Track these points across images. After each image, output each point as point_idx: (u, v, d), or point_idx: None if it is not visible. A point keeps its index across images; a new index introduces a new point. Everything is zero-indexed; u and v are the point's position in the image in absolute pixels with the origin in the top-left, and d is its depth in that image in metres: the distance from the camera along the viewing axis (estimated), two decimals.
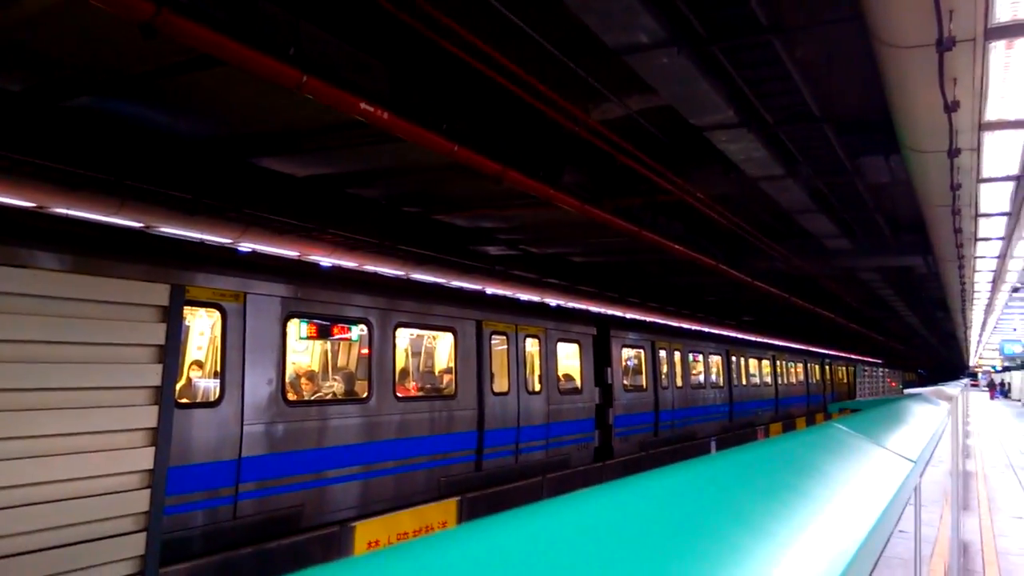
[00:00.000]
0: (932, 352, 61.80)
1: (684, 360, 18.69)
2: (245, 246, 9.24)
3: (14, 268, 5.27)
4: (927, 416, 3.56)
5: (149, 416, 5.93)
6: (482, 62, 6.16)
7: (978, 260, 13.79)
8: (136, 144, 8.19)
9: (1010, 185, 8.76)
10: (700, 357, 20.10)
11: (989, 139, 7.28)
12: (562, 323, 13.79)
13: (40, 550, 4.87)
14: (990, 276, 15.96)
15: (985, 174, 8.30)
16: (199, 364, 8.37)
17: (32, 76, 6.49)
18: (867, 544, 0.93)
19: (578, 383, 14.00)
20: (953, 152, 7.13)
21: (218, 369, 7.65)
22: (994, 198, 9.34)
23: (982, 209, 9.90)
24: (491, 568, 0.56)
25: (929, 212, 10.46)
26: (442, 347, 11.58)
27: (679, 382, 18.20)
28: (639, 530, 0.70)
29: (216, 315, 7.73)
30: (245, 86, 6.51)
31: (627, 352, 16.25)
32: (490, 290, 13.44)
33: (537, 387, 12.66)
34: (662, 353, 17.45)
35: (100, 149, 7.81)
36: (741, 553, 0.73)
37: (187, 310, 7.50)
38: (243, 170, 9.32)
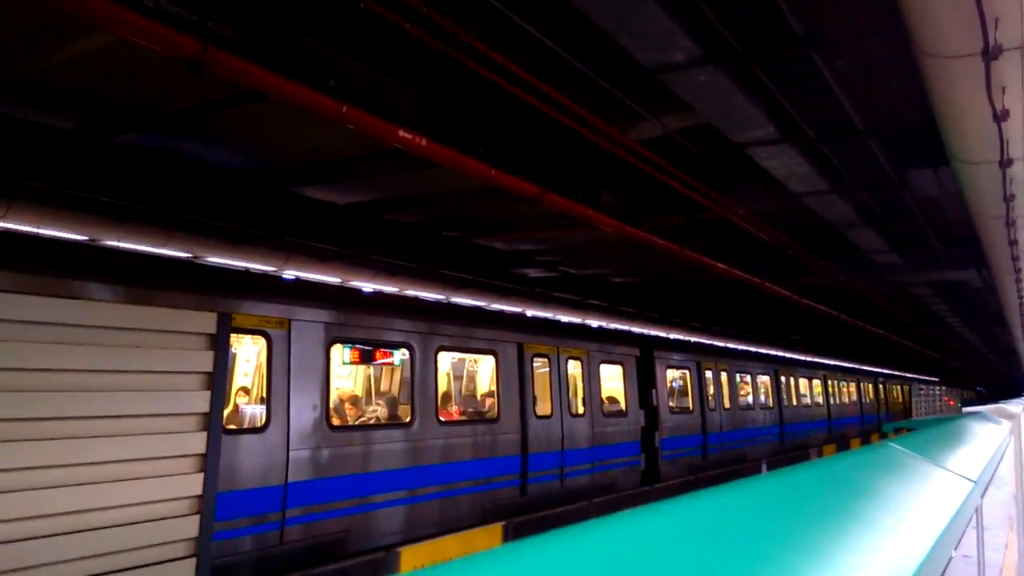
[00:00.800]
0: (991, 369, 59.69)
1: (731, 381, 18.36)
2: (289, 274, 9.40)
3: (67, 299, 5.44)
4: (987, 435, 3.42)
5: (198, 442, 6.02)
6: (516, 85, 6.19)
7: None
8: (182, 177, 8.42)
9: None
10: (748, 377, 19.72)
11: None
12: (604, 344, 13.67)
13: None
14: None
15: None
16: (245, 390, 8.49)
17: (83, 114, 6.73)
18: (926, 567, 0.88)
19: (622, 405, 13.84)
20: (1005, 162, 6.93)
21: (264, 395, 7.75)
22: None
23: None
24: None
25: (982, 224, 10.14)
26: (484, 370, 11.58)
27: (727, 403, 17.86)
28: (689, 551, 0.67)
29: (262, 342, 7.85)
30: (286, 118, 6.65)
31: (672, 373, 16.03)
32: (530, 312, 13.41)
33: (581, 410, 12.55)
34: (708, 374, 17.17)
35: (148, 183, 8.04)
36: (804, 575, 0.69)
37: (233, 337, 7.63)
38: (285, 200, 9.50)
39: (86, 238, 7.24)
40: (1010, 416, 6.66)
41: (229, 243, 8.56)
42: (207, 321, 6.44)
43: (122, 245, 7.48)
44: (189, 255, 8.19)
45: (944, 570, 1.23)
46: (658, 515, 0.77)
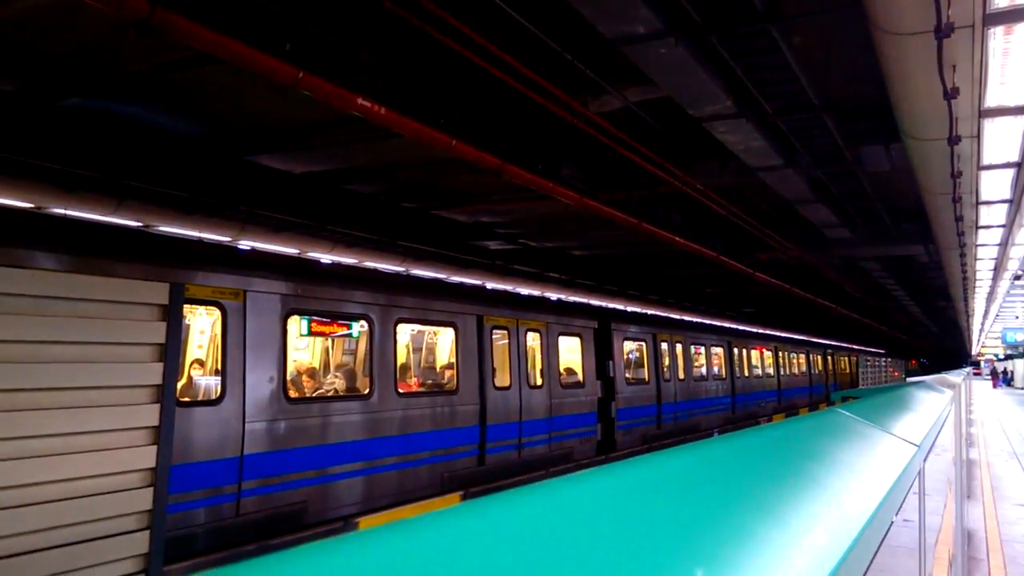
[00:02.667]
0: (934, 341, 61.79)
1: (686, 352, 18.68)
2: (244, 244, 9.23)
3: (13, 268, 5.26)
4: (930, 403, 3.55)
5: (151, 415, 5.93)
6: (477, 54, 6.13)
7: (979, 248, 13.77)
8: (132, 143, 8.17)
9: (1010, 172, 8.73)
10: (702, 349, 20.10)
11: (989, 126, 7.25)
12: (563, 317, 13.78)
13: (43, 549, 4.87)
14: (992, 264, 15.94)
15: (985, 161, 8.27)
16: (200, 363, 8.36)
17: (25, 76, 6.47)
18: (872, 525, 0.92)
19: (580, 377, 14.00)
20: (953, 139, 7.11)
21: (219, 367, 7.64)
22: (995, 185, 9.32)
23: (983, 197, 9.87)
24: (495, 545, 0.54)
25: (930, 200, 10.43)
26: (443, 342, 11.58)
27: (681, 375, 18.19)
28: (642, 509, 0.69)
29: (216, 313, 7.73)
30: (241, 83, 6.49)
31: (629, 345, 16.24)
32: (490, 285, 13.43)
33: (539, 381, 12.66)
34: (664, 346, 17.44)
35: (96, 149, 7.79)
36: (748, 535, 0.72)
37: (187, 308, 7.49)
38: (240, 168, 9.30)
39: (31, 205, 7.00)
40: (952, 386, 6.92)
41: (181, 212, 8.37)
42: (159, 292, 6.30)
43: (70, 213, 7.26)
44: (140, 224, 7.98)
45: (888, 529, 1.28)
46: (611, 475, 0.78)
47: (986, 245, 13.53)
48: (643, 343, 16.71)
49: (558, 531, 0.62)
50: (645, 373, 16.65)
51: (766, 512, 0.81)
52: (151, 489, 5.85)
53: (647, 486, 0.77)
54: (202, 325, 8.44)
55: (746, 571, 0.66)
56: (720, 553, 0.66)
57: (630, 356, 16.40)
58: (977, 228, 11.84)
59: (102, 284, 5.69)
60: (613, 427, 14.80)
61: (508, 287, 13.89)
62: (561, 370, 13.51)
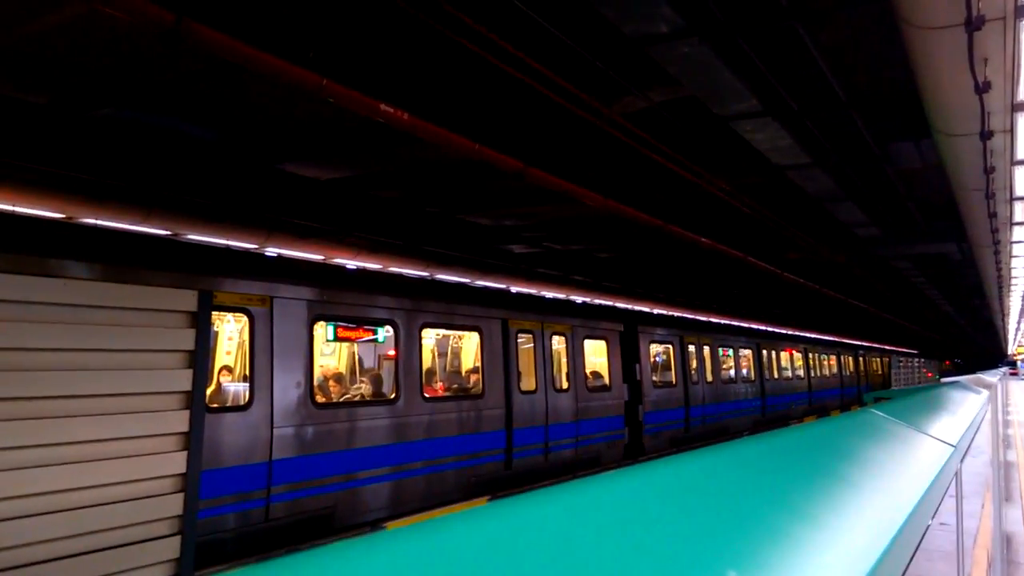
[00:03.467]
0: (969, 341, 60.58)
1: (714, 355, 18.51)
2: (271, 251, 9.32)
3: (45, 278, 5.35)
4: (966, 403, 3.46)
5: (181, 421, 5.99)
6: (499, 58, 6.13)
7: (1015, 245, 13.47)
8: (161, 152, 8.29)
9: None
10: (730, 351, 19.90)
11: (1023, 120, 7.09)
12: (588, 320, 13.72)
13: (75, 555, 4.94)
14: None
15: (1020, 156, 8.09)
16: (228, 369, 8.45)
17: (56, 88, 6.59)
18: (909, 526, 0.88)
19: (606, 380, 13.93)
20: (985, 134, 6.96)
21: (247, 373, 7.71)
22: None
23: (1017, 192, 9.65)
24: (525, 544, 0.53)
25: (962, 197, 10.22)
26: (468, 347, 11.58)
27: (709, 377, 18.02)
28: (678, 508, 0.67)
29: (244, 320, 7.80)
30: (266, 91, 6.55)
31: (655, 348, 16.13)
32: (515, 289, 13.41)
33: (565, 385, 12.61)
34: (691, 348, 17.29)
35: (125, 158, 7.91)
36: (781, 536, 0.69)
37: (216, 315, 7.58)
38: (267, 175, 9.39)
39: (62, 216, 7.12)
40: (987, 386, 6.77)
41: (209, 220, 8.46)
42: (188, 299, 6.38)
43: (100, 223, 7.37)
44: (168, 232, 8.09)
45: (924, 534, 1.24)
46: (642, 475, 0.76)
47: (1021, 242, 13.23)
48: (670, 346, 16.58)
49: (589, 530, 0.61)
50: (672, 376, 16.52)
51: (799, 512, 0.78)
52: (182, 495, 5.91)
53: (678, 486, 0.75)
54: (230, 332, 8.52)
55: (780, 572, 0.64)
56: (753, 553, 0.64)
57: (657, 359, 16.29)
58: (1012, 225, 11.58)
59: (132, 292, 5.77)
60: (641, 431, 14.70)
61: (532, 291, 13.87)
62: (587, 373, 13.45)
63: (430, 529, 0.56)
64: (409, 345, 9.62)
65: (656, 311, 17.61)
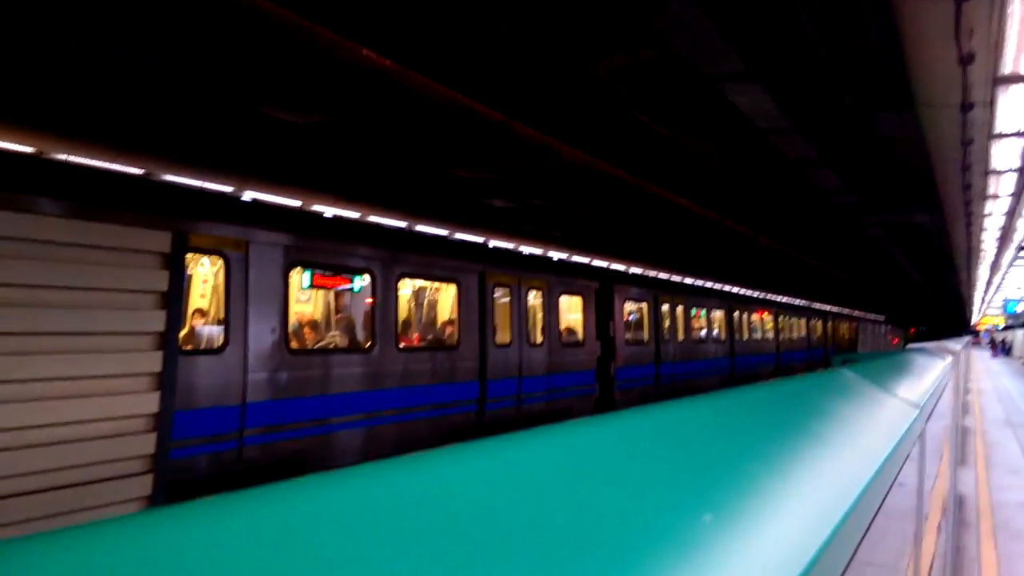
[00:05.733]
0: (935, 310, 61.87)
1: (686, 314, 18.72)
2: (248, 195, 9.19)
3: (16, 213, 5.25)
4: (930, 368, 3.57)
5: (154, 361, 5.97)
6: (486, 7, 6.02)
7: (986, 218, 13.70)
8: (137, 89, 8.07)
9: (1022, 141, 8.64)
10: (702, 312, 20.14)
11: (1003, 94, 7.15)
12: (565, 276, 13.77)
13: (48, 489, 4.95)
14: (998, 234, 15.88)
15: (998, 130, 8.18)
16: (202, 312, 8.39)
17: (27, 19, 6.35)
18: (876, 480, 0.92)
19: (580, 336, 14.05)
20: (966, 107, 7.02)
21: (222, 317, 7.67)
22: (1006, 154, 9.23)
23: (993, 165, 9.78)
24: (491, 486, 0.55)
25: (939, 168, 10.35)
26: (445, 299, 11.60)
27: (681, 336, 18.26)
28: (650, 457, 0.69)
29: (219, 263, 7.73)
30: (248, 31, 6.38)
31: (629, 306, 16.27)
32: (493, 242, 13.40)
33: (539, 339, 12.71)
34: (664, 307, 17.47)
35: (100, 93, 7.70)
36: (753, 484, 0.72)
37: (190, 257, 7.49)
38: (246, 118, 9.21)
39: (33, 150, 6.95)
40: (952, 353, 6.95)
41: (185, 160, 8.31)
42: (161, 240, 6.30)
43: (71, 159, 7.21)
44: (143, 171, 7.94)
45: (891, 487, 1.30)
46: (619, 422, 0.79)
47: (993, 215, 13.46)
48: (644, 304, 16.74)
49: (562, 473, 0.62)
50: (645, 334, 16.71)
51: (770, 463, 0.81)
52: (155, 434, 5.93)
53: (652, 433, 0.78)
54: (205, 275, 8.44)
55: (751, 519, 0.67)
56: (726, 499, 0.67)
57: (631, 317, 16.44)
58: (985, 197, 11.76)
59: (104, 231, 5.68)
60: (612, 386, 14.91)
61: (511, 245, 13.87)
62: (562, 329, 13.56)
63: (403, 464, 0.57)
64: (386, 295, 9.60)
65: (632, 270, 17.73)
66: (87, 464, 5.20)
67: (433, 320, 11.83)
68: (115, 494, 5.29)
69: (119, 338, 5.65)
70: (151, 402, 5.90)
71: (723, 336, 21.33)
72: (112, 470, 5.35)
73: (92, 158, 7.34)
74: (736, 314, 22.25)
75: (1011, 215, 13.41)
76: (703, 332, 20.19)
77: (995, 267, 24.74)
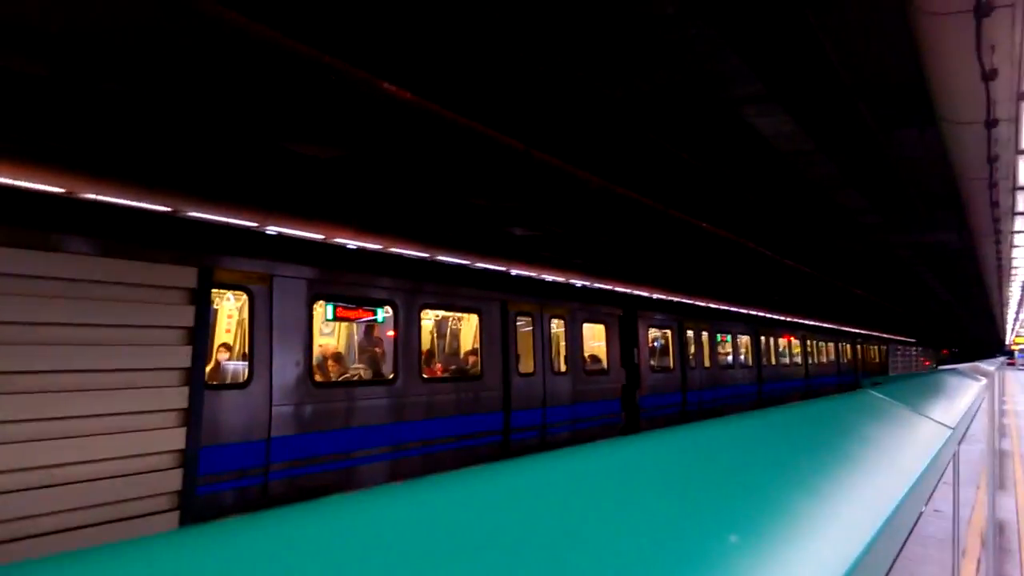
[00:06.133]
0: (967, 330, 60.71)
1: (712, 340, 18.54)
2: (271, 229, 9.29)
3: (45, 252, 5.35)
4: (964, 389, 3.48)
5: (180, 397, 6.02)
6: (502, 40, 6.09)
7: (1016, 235, 13.46)
8: (162, 127, 8.25)
9: None
10: (728, 337, 19.93)
11: None
12: (587, 304, 13.73)
13: (75, 528, 4.97)
14: None
15: None
16: (228, 347, 8.46)
17: (56, 60, 6.53)
18: (907, 501, 0.89)
19: (604, 364, 13.95)
20: (990, 123, 6.94)
21: (246, 351, 7.72)
22: None
23: (1021, 182, 9.63)
24: (521, 503, 0.53)
25: (964, 186, 10.20)
26: (468, 328, 11.60)
27: (707, 362, 18.07)
28: (680, 477, 0.67)
29: (244, 298, 7.80)
30: (269, 67, 6.50)
31: (654, 332, 16.15)
32: (515, 271, 13.41)
33: (563, 368, 12.64)
34: (689, 333, 17.32)
35: (125, 133, 7.88)
36: (780, 504, 0.70)
37: (215, 293, 7.58)
38: (268, 153, 9.36)
39: (63, 190, 7.10)
40: (985, 374, 6.79)
41: (210, 197, 8.44)
42: (188, 276, 6.39)
43: (100, 199, 7.35)
44: (169, 209, 8.07)
45: (922, 511, 1.25)
46: (646, 443, 0.77)
47: (1022, 232, 13.22)
48: (668, 330, 16.61)
49: (590, 492, 0.61)
50: (670, 360, 16.56)
51: (798, 483, 0.79)
52: (181, 470, 5.95)
53: (680, 453, 0.76)
54: (230, 310, 8.53)
55: (778, 540, 0.64)
56: (753, 519, 0.64)
57: (655, 343, 16.32)
58: (1014, 214, 11.56)
59: (132, 268, 5.77)
60: (637, 414, 14.75)
61: (532, 274, 13.87)
62: (585, 357, 13.48)
63: (426, 486, 0.56)
64: (408, 326, 9.62)
65: (655, 296, 17.62)
66: (113, 502, 5.22)
67: (456, 350, 11.82)
68: (142, 532, 5.30)
69: (145, 374, 5.71)
70: (178, 438, 5.94)
71: (750, 361, 21.08)
72: (138, 508, 5.37)
73: (119, 197, 7.48)
74: (763, 339, 22.00)
75: None
76: (729, 358, 19.97)
77: None
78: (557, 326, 12.76)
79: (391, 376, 9.38)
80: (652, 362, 15.68)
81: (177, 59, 6.22)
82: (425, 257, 11.57)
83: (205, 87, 7.52)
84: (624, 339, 14.58)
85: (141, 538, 0.44)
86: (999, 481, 8.89)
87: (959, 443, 2.11)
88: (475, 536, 0.50)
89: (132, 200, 7.63)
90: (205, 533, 0.46)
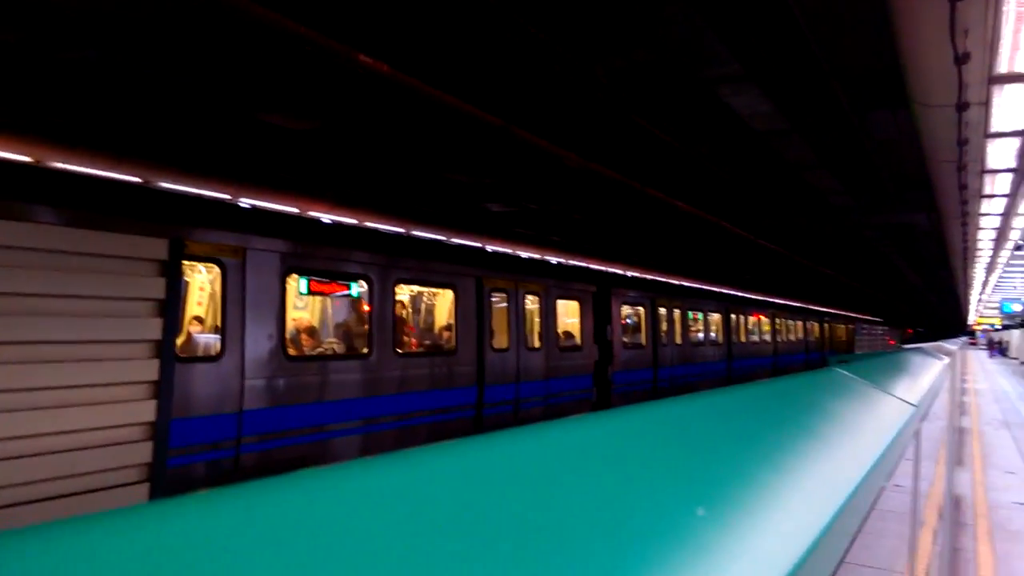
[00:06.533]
0: (931, 311, 61.97)
1: (683, 318, 18.74)
2: (244, 202, 9.19)
3: (11, 222, 5.25)
4: (926, 367, 3.57)
5: (151, 369, 5.97)
6: (483, 14, 6.04)
7: (982, 217, 13.73)
8: (133, 97, 8.08)
9: (1018, 141, 8.66)
10: (700, 315, 20.15)
11: (999, 93, 7.17)
12: (562, 281, 13.78)
13: (42, 500, 4.93)
14: (993, 234, 15.91)
15: (993, 129, 8.20)
16: (200, 319, 8.38)
17: (27, 27, 6.36)
18: (871, 476, 0.92)
19: (578, 340, 14.05)
20: (961, 106, 7.05)
21: (219, 324, 7.66)
22: (1001, 154, 9.25)
23: (989, 165, 9.80)
24: (495, 478, 0.55)
25: (935, 168, 10.37)
26: (442, 304, 11.60)
27: (678, 339, 18.27)
28: (649, 451, 0.69)
29: (216, 270, 7.72)
30: (245, 38, 6.38)
31: (627, 310, 16.28)
32: (490, 247, 13.40)
33: (537, 344, 12.71)
34: (662, 311, 17.48)
35: (97, 102, 7.70)
36: (748, 479, 0.72)
37: (187, 265, 7.49)
38: (243, 124, 9.21)
39: (31, 159, 6.95)
40: (948, 353, 6.97)
41: (182, 168, 8.31)
42: (159, 247, 6.30)
43: (69, 168, 7.20)
44: (140, 180, 7.93)
45: (885, 486, 1.30)
46: (618, 418, 0.79)
47: (989, 215, 13.48)
48: (641, 308, 16.75)
49: (561, 466, 0.62)
50: (642, 337, 16.72)
51: (765, 458, 0.81)
52: (151, 442, 5.92)
53: (650, 428, 0.78)
54: (202, 282, 8.44)
55: (744, 514, 0.67)
56: (718, 495, 0.67)
57: (628, 320, 16.45)
58: (981, 197, 11.79)
59: (102, 239, 5.68)
60: (610, 390, 14.91)
61: (508, 250, 13.87)
62: (559, 333, 13.56)
63: (398, 460, 0.57)
64: (383, 300, 9.60)
65: (629, 273, 17.74)
66: (83, 473, 5.18)
67: (431, 325, 11.82)
68: (112, 504, 5.27)
69: (116, 346, 5.65)
70: (148, 410, 5.89)
71: (720, 339, 21.35)
72: (109, 479, 5.34)
73: (89, 167, 7.34)
74: (733, 317, 22.28)
75: (1007, 215, 13.44)
76: (700, 335, 20.21)
77: (991, 267, 24.80)
78: (531, 302, 12.80)
79: (365, 350, 9.37)
80: (624, 339, 15.81)
81: (149, 28, 6.08)
82: (401, 232, 11.52)
83: (177, 56, 7.37)
84: (597, 316, 14.67)
85: (110, 511, 0.44)
86: (958, 457, 9.15)
87: (921, 420, 2.18)
88: (447, 510, 0.51)
89: (102, 170, 7.49)
90: (175, 506, 0.46)
